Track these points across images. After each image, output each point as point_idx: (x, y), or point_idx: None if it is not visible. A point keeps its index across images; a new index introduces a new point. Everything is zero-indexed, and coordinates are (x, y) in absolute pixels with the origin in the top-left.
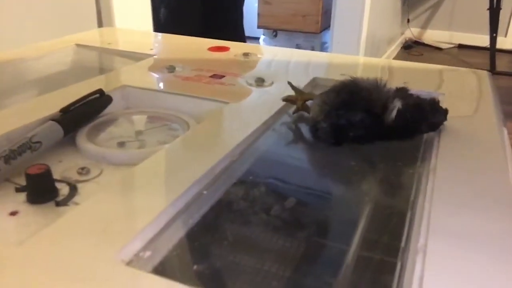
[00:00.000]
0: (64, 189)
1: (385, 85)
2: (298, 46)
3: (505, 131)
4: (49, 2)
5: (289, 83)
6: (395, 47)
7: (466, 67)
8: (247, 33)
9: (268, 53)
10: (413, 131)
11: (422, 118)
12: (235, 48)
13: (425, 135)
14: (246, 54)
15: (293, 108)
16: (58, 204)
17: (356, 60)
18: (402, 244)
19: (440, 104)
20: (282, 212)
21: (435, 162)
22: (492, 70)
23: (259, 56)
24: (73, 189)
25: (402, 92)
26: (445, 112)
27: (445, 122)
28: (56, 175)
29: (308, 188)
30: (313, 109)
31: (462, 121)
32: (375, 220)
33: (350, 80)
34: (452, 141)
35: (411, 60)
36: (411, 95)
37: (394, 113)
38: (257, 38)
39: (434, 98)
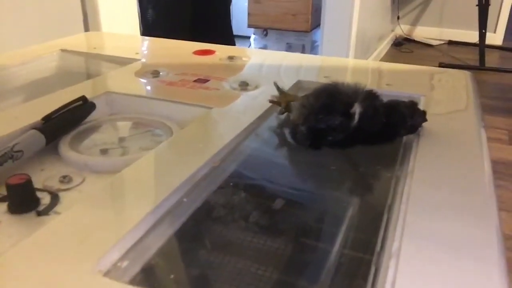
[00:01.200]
0: (45, 198)
1: (371, 89)
2: (288, 45)
3: (484, 133)
4: (33, 6)
5: (275, 83)
6: (385, 44)
7: (456, 63)
8: (237, 32)
9: (254, 56)
10: (392, 135)
11: (399, 120)
12: (221, 51)
13: (405, 138)
14: (231, 58)
15: (278, 111)
16: (39, 214)
17: (343, 62)
18: (378, 248)
19: (419, 106)
20: (260, 218)
21: (413, 165)
22: (482, 66)
23: (244, 59)
24: (55, 198)
25: (367, 96)
26: (423, 114)
27: (424, 124)
28: (38, 184)
29: (288, 193)
30: (293, 113)
31: (441, 123)
32: (352, 224)
33: (331, 84)
34: (430, 143)
35: (401, 57)
36: (377, 97)
37: (356, 117)
38: (248, 37)
39: (412, 101)
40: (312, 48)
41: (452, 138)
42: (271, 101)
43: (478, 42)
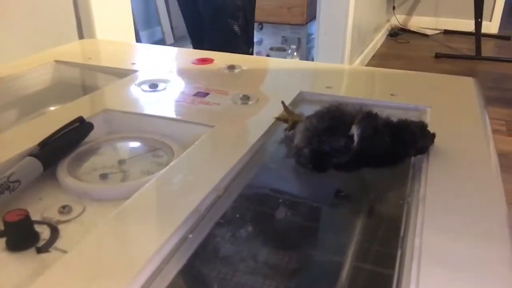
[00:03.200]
0: (45, 232)
1: (370, 110)
2: (284, 39)
3: (493, 147)
4: (25, 13)
5: (283, 103)
6: (381, 35)
7: (453, 53)
8: None
9: (253, 64)
10: (402, 156)
11: (410, 141)
12: (220, 59)
13: (413, 158)
14: (230, 67)
15: (285, 128)
16: (39, 250)
17: (344, 69)
18: None
19: (427, 118)
20: (270, 257)
21: (425, 190)
22: (478, 55)
23: (244, 68)
24: (55, 232)
25: (365, 117)
26: (432, 137)
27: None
28: (36, 215)
29: (296, 225)
30: (297, 136)
31: (450, 138)
32: (363, 261)
33: (334, 105)
34: (440, 164)
35: (397, 48)
36: (376, 117)
37: (356, 139)
38: None
39: (422, 122)
40: (308, 41)
41: (462, 156)
42: (278, 119)
43: (474, 31)
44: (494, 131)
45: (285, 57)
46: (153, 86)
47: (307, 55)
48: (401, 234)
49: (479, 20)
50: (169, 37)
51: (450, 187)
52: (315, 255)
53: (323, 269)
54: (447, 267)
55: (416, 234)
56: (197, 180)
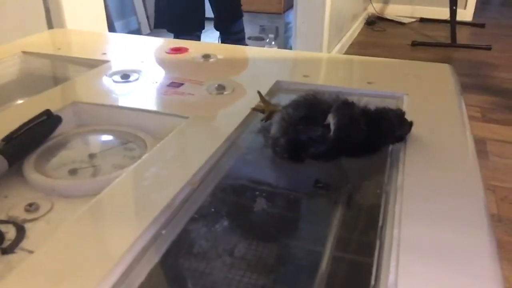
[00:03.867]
0: (10, 232)
1: (346, 98)
2: (262, 28)
3: (469, 134)
4: None
5: (259, 92)
6: (358, 24)
7: (429, 41)
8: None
9: (229, 53)
10: (380, 144)
11: (388, 129)
12: (195, 48)
13: (391, 146)
14: (206, 56)
15: (261, 119)
16: (4, 252)
17: (321, 57)
18: (372, 281)
19: (404, 105)
20: (248, 249)
21: (402, 179)
22: (453, 42)
23: (219, 57)
24: (21, 231)
25: (341, 106)
26: (409, 125)
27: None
28: (1, 214)
29: (273, 218)
30: (273, 127)
31: (426, 125)
32: (343, 251)
33: (310, 94)
34: (417, 151)
35: (374, 36)
36: (353, 106)
37: (332, 128)
38: None
39: (400, 109)
40: (286, 30)
41: (439, 143)
42: (254, 109)
43: (449, 19)
44: (470, 118)
45: (263, 46)
46: (125, 76)
47: (285, 44)
48: (380, 224)
49: (454, 7)
50: (145, 27)
51: (428, 175)
52: (294, 246)
53: (303, 260)
54: (426, 255)
55: (395, 224)
56: (171, 173)
